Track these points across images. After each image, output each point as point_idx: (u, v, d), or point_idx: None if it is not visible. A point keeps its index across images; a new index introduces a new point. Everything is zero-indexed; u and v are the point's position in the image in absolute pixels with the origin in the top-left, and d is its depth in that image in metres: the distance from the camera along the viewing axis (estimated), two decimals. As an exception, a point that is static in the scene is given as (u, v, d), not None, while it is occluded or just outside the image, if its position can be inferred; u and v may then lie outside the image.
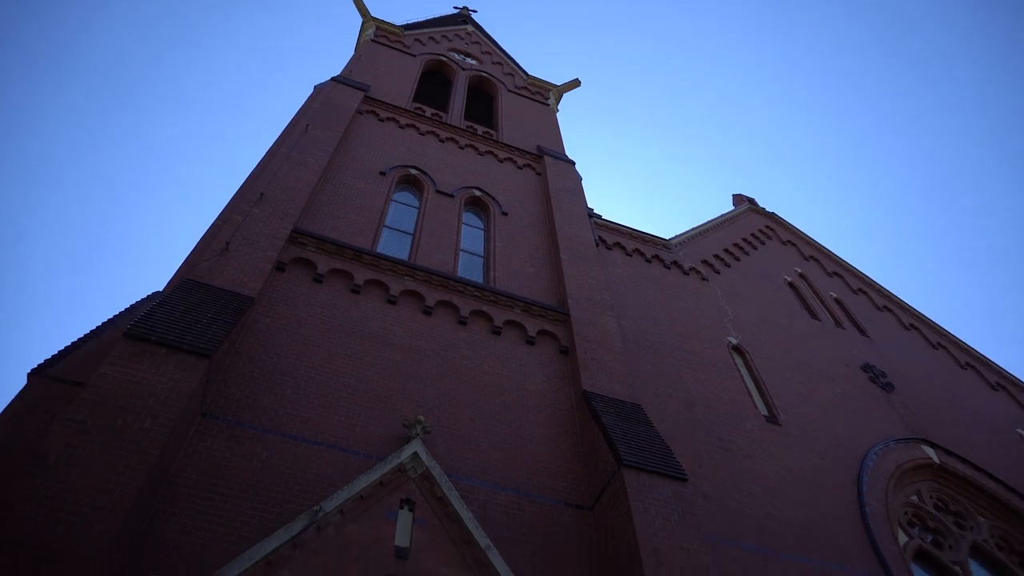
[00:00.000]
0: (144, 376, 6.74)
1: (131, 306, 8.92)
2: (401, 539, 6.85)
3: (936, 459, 12.67)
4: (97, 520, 5.47)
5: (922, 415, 13.94)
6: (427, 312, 10.49)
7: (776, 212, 20.50)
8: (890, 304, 18.46)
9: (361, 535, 6.72)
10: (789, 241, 19.59)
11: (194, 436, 7.32)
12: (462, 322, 10.59)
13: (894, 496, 11.65)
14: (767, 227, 19.67)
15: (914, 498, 12.07)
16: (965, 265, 62.30)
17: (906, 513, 11.69)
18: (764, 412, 12.07)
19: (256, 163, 12.83)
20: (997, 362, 17.34)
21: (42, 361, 7.69)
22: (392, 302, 10.39)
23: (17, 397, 7.11)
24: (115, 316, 8.71)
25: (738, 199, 21.26)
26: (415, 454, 7.52)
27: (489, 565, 6.84)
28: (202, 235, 10.37)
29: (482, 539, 7.01)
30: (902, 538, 11.01)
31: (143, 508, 6.20)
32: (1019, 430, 15.07)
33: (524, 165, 16.66)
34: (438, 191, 14.01)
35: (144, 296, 9.14)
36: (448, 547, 6.95)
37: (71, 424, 6.06)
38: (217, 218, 10.79)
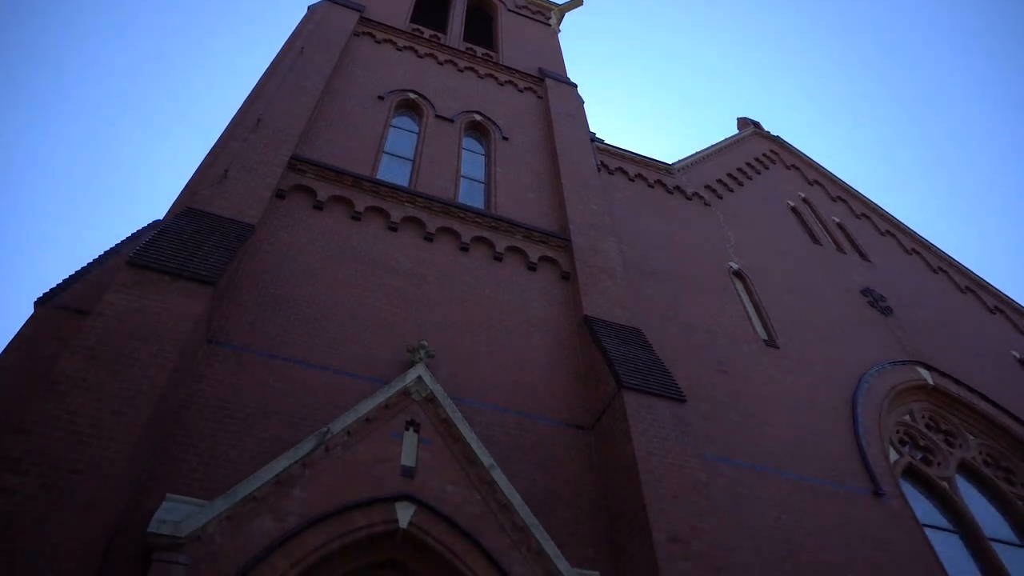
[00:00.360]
0: (149, 304, 6.81)
1: (133, 234, 8.91)
2: (407, 459, 7.07)
3: (930, 381, 12.91)
4: (112, 441, 5.64)
5: (919, 338, 14.11)
6: (428, 239, 10.49)
7: (781, 136, 20.18)
8: (893, 228, 18.40)
9: (368, 455, 6.93)
10: (793, 165, 19.36)
11: (202, 362, 7.46)
12: (463, 248, 10.60)
13: (887, 416, 11.93)
14: (771, 151, 19.40)
15: (907, 418, 12.37)
16: (969, 188, 61.71)
17: (898, 432, 12.01)
18: (763, 336, 12.23)
19: (252, 87, 12.56)
20: (996, 286, 17.42)
21: (47, 290, 7.76)
22: (393, 229, 10.38)
23: (25, 325, 7.20)
24: (117, 244, 8.71)
25: (743, 123, 20.88)
26: (419, 378, 7.67)
27: (493, 483, 7.08)
28: (200, 162, 10.27)
29: (486, 458, 7.23)
30: (893, 456, 11.34)
31: (156, 430, 6.38)
32: (1014, 352, 15.28)
33: (525, 88, 16.30)
34: (437, 116, 13.76)
35: (145, 224, 9.13)
36: (453, 466, 7.17)
37: (80, 351, 6.17)
38: (215, 145, 10.65)
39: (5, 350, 6.85)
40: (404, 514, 6.59)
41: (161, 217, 9.32)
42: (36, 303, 7.51)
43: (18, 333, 7.10)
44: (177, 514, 5.83)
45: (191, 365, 7.24)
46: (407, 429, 7.33)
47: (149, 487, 6.26)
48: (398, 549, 6.62)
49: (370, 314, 8.89)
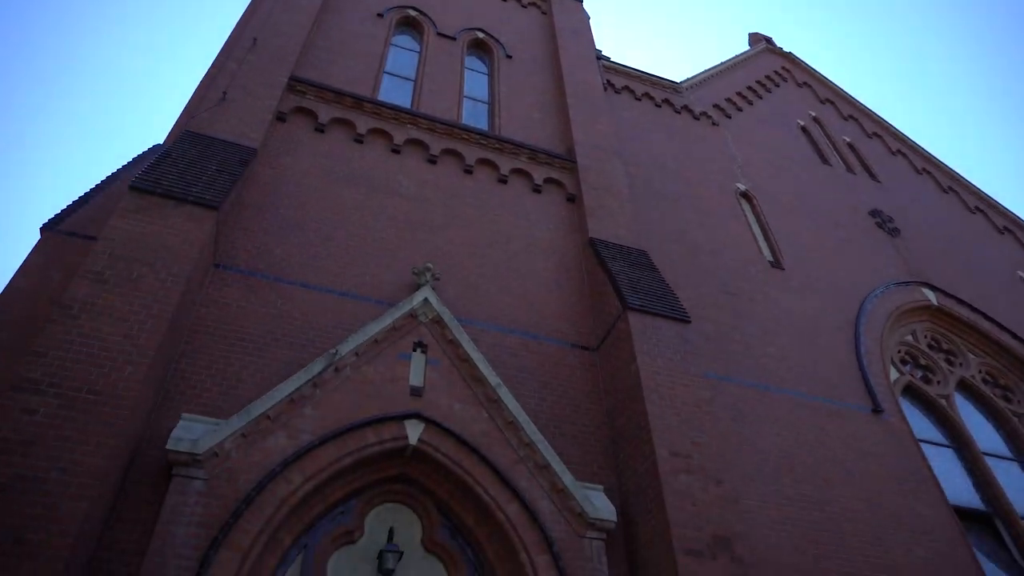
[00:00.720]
0: (154, 228, 6.82)
1: (134, 159, 8.86)
2: (415, 379, 7.22)
3: (934, 301, 12.96)
4: (126, 364, 5.75)
5: (925, 259, 14.08)
6: (432, 161, 10.37)
7: (793, 52, 19.55)
8: (904, 148, 18.07)
9: (377, 375, 7.08)
10: (805, 83, 18.85)
11: (210, 286, 7.52)
12: (468, 171, 10.50)
13: (890, 336, 12.05)
14: (783, 68, 18.85)
15: (909, 338, 12.48)
16: (985, 104, 60.17)
17: (900, 351, 12.15)
18: (769, 257, 12.21)
19: (246, 5, 12.17)
20: (1007, 206, 17.23)
21: (52, 216, 7.78)
22: (396, 151, 10.25)
23: (33, 251, 7.25)
24: (119, 170, 8.68)
25: (754, 38, 20.20)
26: (425, 300, 7.74)
27: (499, 401, 7.25)
28: (198, 84, 10.07)
29: (492, 378, 7.37)
30: (894, 375, 11.51)
31: (169, 353, 6.50)
32: (1020, 273, 15.26)
33: (529, 4, 15.73)
34: (439, 33, 13.35)
35: (146, 149, 9.05)
36: (460, 386, 7.33)
37: (90, 276, 6.22)
38: (211, 67, 10.42)
39: (15, 275, 6.93)
40: (413, 431, 6.78)
41: (161, 141, 9.23)
42: (42, 229, 7.54)
43: (27, 259, 7.16)
44: (194, 432, 6.01)
45: (200, 289, 7.31)
46: (415, 350, 7.45)
47: (165, 408, 6.43)
48: (408, 464, 6.85)
49: (375, 237, 8.89)
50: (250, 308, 7.52)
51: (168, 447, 5.81)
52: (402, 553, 6.37)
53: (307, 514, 6.31)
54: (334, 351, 6.93)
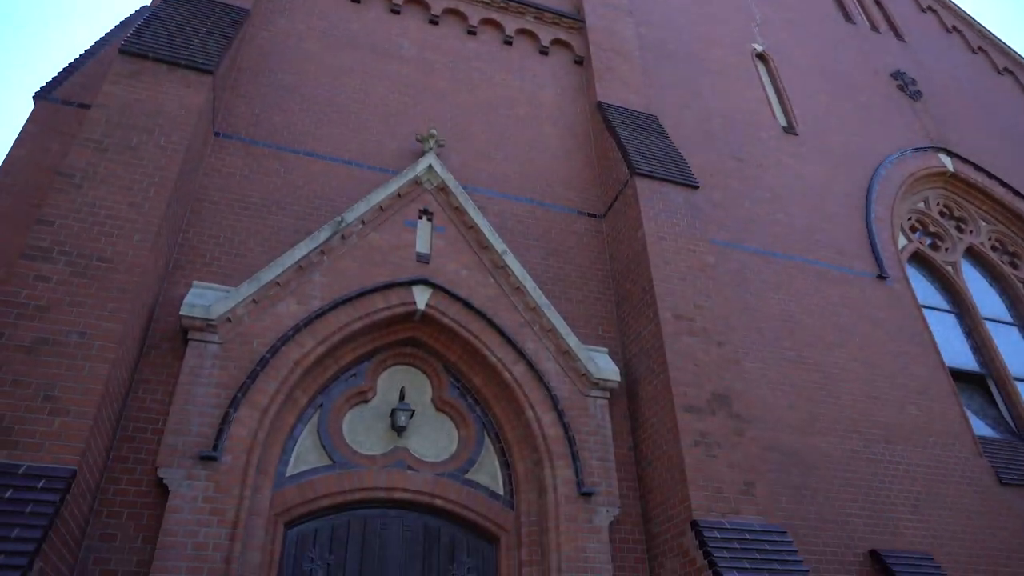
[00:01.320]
0: (149, 94, 6.63)
1: (122, 22, 8.50)
2: (422, 246, 7.26)
3: (950, 167, 12.67)
4: (133, 232, 5.78)
5: (946, 123, 13.62)
6: (434, 22, 9.88)
7: None
8: (935, 3, 17.01)
9: (383, 242, 7.11)
10: (833, -69, 17.47)
11: (211, 155, 7.42)
12: (471, 32, 10.02)
13: (901, 203, 11.89)
14: (810, -86, 17.41)
15: (921, 205, 12.32)
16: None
17: (910, 219, 12.03)
18: (783, 123, 11.85)
19: None
20: (1038, 66, 16.42)
21: (44, 84, 7.57)
22: (396, 11, 9.75)
23: (28, 120, 7.12)
24: (107, 33, 8.35)
25: None
26: (430, 167, 7.63)
27: (506, 267, 7.31)
28: (181, -62, 9.44)
29: (498, 245, 7.39)
30: (902, 242, 11.47)
31: (175, 222, 6.51)
32: (1043, 137, 14.79)
33: None
34: None
35: (133, 11, 8.65)
36: (467, 252, 7.37)
37: (89, 144, 6.12)
38: (194, -82, 9.72)
39: (13, 145, 6.84)
40: (421, 296, 6.90)
41: (148, 3, 8.80)
42: (35, 97, 7.36)
43: (24, 128, 7.04)
44: (206, 299, 6.14)
45: (201, 157, 7.21)
46: (420, 217, 7.44)
47: (176, 275, 6.53)
48: (417, 328, 7.02)
49: (376, 103, 8.65)
50: (253, 177, 7.45)
51: (182, 313, 5.95)
52: (413, 411, 6.66)
53: (321, 375, 6.55)
54: (340, 219, 6.92)
